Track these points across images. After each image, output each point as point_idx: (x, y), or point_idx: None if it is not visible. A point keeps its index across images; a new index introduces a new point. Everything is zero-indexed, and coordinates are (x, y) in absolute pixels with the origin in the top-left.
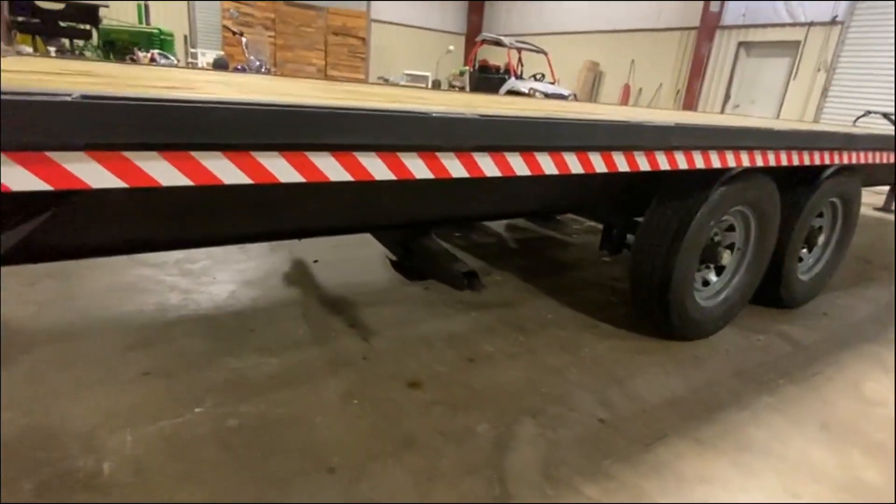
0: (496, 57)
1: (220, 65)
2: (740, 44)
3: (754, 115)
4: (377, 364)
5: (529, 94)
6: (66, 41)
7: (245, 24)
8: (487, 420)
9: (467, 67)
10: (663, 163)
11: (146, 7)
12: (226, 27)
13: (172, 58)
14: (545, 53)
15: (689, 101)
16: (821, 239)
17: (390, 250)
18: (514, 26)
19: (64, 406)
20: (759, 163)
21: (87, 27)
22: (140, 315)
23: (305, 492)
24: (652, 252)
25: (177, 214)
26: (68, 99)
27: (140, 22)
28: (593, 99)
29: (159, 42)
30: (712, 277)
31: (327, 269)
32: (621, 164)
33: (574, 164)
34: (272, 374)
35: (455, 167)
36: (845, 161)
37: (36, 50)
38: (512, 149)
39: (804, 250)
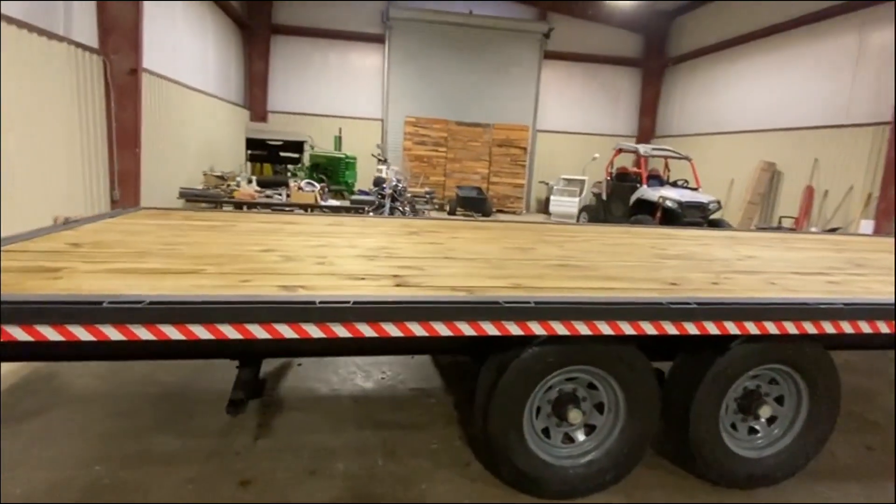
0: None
1: (376, 182)
2: None
3: None
4: (240, 460)
5: (659, 203)
6: (283, 165)
7: (421, 143)
8: None
9: (605, 176)
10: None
11: (340, 139)
12: (373, 155)
13: (316, 185)
14: (689, 160)
15: (886, 206)
16: (764, 410)
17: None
18: (685, 127)
19: (39, 448)
20: (585, 331)
21: (298, 155)
22: (151, 393)
23: None
24: (478, 404)
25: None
26: (140, 306)
27: (335, 149)
28: (771, 201)
29: (345, 164)
30: (579, 436)
31: (306, 371)
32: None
33: (418, 329)
34: (166, 453)
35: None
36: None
37: (262, 173)
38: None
39: (760, 423)
